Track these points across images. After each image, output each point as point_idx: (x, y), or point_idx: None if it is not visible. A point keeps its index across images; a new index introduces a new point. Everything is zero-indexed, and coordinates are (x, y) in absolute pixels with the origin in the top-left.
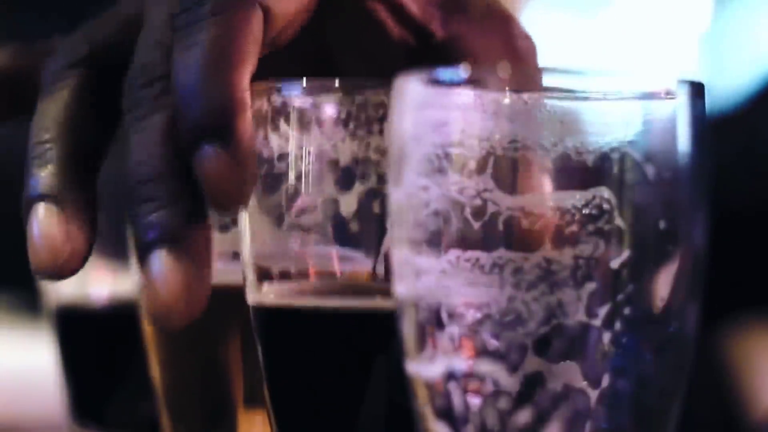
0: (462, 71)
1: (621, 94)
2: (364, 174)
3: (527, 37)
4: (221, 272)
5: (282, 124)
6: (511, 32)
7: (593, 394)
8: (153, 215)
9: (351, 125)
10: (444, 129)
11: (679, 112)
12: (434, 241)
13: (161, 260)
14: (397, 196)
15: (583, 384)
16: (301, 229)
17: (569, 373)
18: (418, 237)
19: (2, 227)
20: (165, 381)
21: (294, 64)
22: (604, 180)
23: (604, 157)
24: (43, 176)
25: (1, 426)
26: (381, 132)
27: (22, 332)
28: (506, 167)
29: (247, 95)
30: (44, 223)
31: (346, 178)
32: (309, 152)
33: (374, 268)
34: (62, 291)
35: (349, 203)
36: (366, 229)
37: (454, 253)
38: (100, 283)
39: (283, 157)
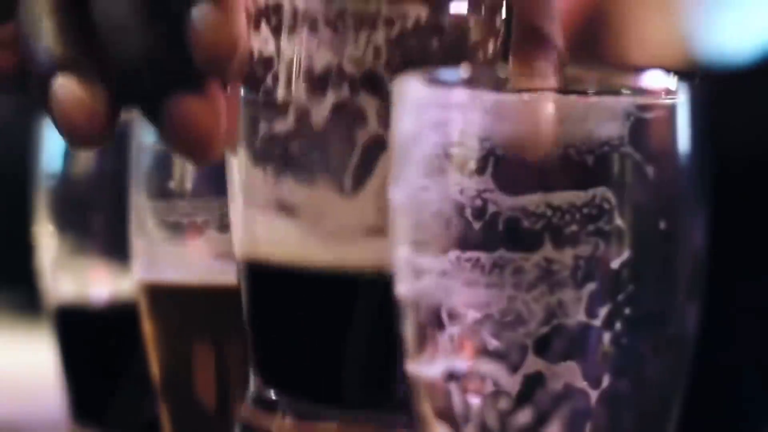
0: (462, 71)
1: (621, 94)
2: (337, 83)
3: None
4: (221, 272)
5: (263, 26)
6: None
7: (593, 394)
8: (153, 61)
9: (328, 33)
10: (444, 129)
11: (679, 111)
12: (435, 242)
13: (183, 104)
14: (397, 196)
15: (583, 384)
16: (275, 139)
17: (569, 373)
18: (418, 237)
19: (2, 227)
20: (165, 381)
21: None
22: (604, 180)
23: (604, 157)
24: (47, 47)
25: (1, 426)
26: (356, 42)
27: (22, 332)
28: (506, 167)
29: None
30: (70, 90)
31: (319, 85)
32: (284, 57)
33: (342, 183)
34: (62, 291)
35: (320, 112)
36: (335, 141)
37: (454, 254)
38: (100, 283)
39: (261, 59)
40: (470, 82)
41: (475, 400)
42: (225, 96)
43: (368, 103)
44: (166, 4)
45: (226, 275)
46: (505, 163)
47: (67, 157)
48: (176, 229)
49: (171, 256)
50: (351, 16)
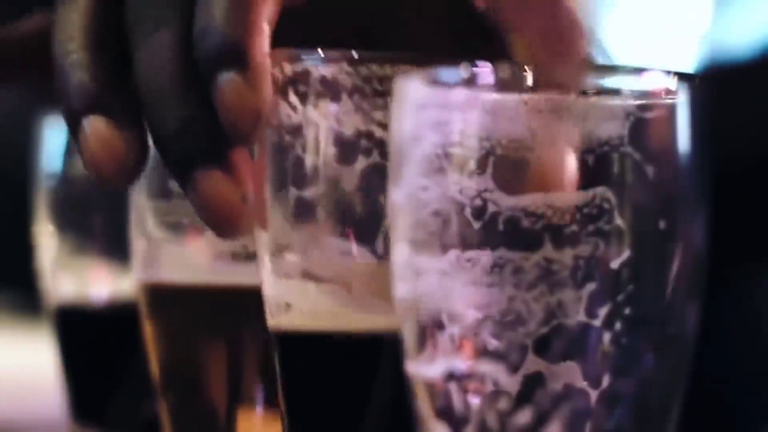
0: (462, 71)
1: (621, 94)
2: (367, 149)
3: (573, 15)
4: (221, 272)
5: (291, 95)
6: (556, 8)
7: (593, 394)
8: (185, 132)
9: (355, 98)
10: (444, 129)
11: (679, 111)
12: (434, 242)
13: (209, 181)
14: (396, 196)
15: (583, 384)
16: (305, 206)
17: (569, 373)
18: (418, 237)
19: (2, 227)
20: (165, 381)
21: (331, 33)
22: (604, 180)
23: (604, 157)
24: (81, 85)
25: (1, 426)
26: (385, 106)
27: (22, 332)
28: (506, 167)
29: (265, 25)
30: (100, 133)
31: (348, 151)
32: (313, 124)
33: (375, 248)
34: (62, 291)
35: (350, 178)
36: (367, 207)
37: (454, 254)
38: (100, 283)
39: (289, 126)
40: (470, 82)
41: (475, 400)
42: (252, 168)
43: None
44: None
45: (227, 275)
46: (504, 163)
47: (67, 157)
48: (176, 229)
49: (171, 256)
50: (378, 80)
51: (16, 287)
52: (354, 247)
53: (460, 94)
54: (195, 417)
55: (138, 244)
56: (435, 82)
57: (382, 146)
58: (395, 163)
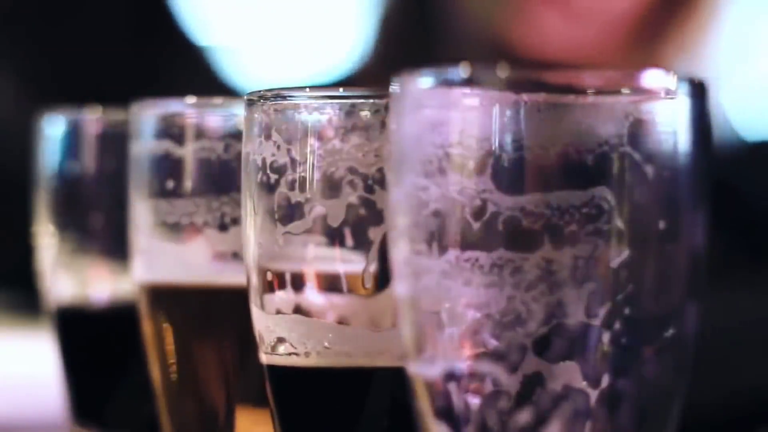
0: (462, 71)
1: (621, 94)
2: (351, 184)
3: None
4: (221, 272)
5: (274, 133)
6: None
7: (593, 394)
8: None
9: (340, 134)
10: (444, 129)
11: (679, 111)
12: (434, 242)
13: None
14: (396, 196)
15: (583, 384)
16: (294, 235)
17: (569, 373)
18: (417, 237)
19: (2, 227)
20: (165, 381)
21: None
22: (604, 180)
23: (604, 157)
24: None
25: (1, 426)
26: (370, 143)
27: (22, 332)
28: (506, 167)
29: None
30: None
31: (334, 187)
32: (299, 162)
33: (364, 275)
34: (62, 291)
35: (336, 212)
36: (353, 241)
37: (453, 254)
38: (100, 283)
39: (274, 166)
40: (470, 82)
41: (475, 400)
42: None
43: (383, 201)
44: None
45: (226, 275)
46: (504, 163)
47: (67, 157)
48: (176, 229)
49: (171, 256)
50: (363, 120)
51: (16, 287)
52: (343, 283)
53: (460, 94)
54: (194, 416)
55: (138, 244)
56: (435, 82)
57: (367, 181)
58: (395, 163)
